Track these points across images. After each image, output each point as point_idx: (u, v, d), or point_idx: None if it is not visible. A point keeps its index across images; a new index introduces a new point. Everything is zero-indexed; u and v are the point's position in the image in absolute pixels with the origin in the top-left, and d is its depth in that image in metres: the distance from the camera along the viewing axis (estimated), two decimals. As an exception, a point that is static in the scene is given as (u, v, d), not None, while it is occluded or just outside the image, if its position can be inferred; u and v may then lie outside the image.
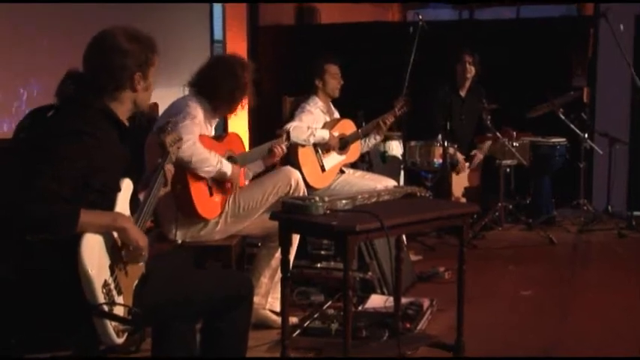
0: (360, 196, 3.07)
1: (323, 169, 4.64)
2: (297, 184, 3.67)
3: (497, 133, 5.56)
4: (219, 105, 3.64)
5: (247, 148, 3.94)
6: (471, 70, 5.96)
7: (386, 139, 5.58)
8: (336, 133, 4.72)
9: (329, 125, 4.74)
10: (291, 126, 4.42)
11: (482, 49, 6.01)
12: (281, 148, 3.86)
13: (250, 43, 7.30)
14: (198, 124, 3.46)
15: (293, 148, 4.41)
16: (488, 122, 5.54)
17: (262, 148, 3.85)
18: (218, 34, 6.81)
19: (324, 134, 4.60)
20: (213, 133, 3.71)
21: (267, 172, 3.86)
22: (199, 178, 3.44)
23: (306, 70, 4.81)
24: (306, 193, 3.72)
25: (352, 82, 4.88)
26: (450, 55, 6.05)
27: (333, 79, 4.74)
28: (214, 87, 3.59)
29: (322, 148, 4.65)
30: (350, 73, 4.85)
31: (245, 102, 3.72)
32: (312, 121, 4.62)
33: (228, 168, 3.50)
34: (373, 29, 7.32)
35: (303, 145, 4.53)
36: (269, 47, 7.47)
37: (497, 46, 6.58)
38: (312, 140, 4.53)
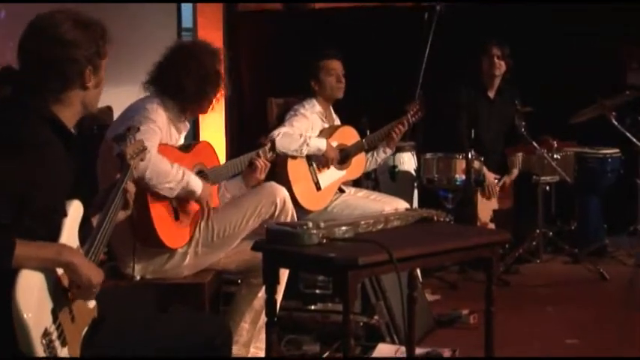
0: (363, 222, 3.07)
1: (318, 186, 4.64)
2: (284, 203, 3.68)
3: (534, 143, 5.58)
4: (186, 104, 3.64)
5: (222, 161, 3.94)
6: (501, 66, 5.98)
7: (396, 150, 5.58)
8: (334, 143, 4.73)
9: (326, 133, 4.74)
10: (280, 133, 4.43)
11: (514, 40, 6.04)
12: (264, 161, 3.85)
13: (227, 32, 7.31)
14: (158, 131, 3.45)
15: (282, 160, 4.42)
16: (523, 129, 5.56)
17: (240, 160, 3.85)
18: (187, 21, 6.83)
19: (319, 144, 4.61)
20: (182, 141, 3.71)
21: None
22: (161, 198, 3.42)
23: (299, 69, 4.82)
24: (295, 216, 3.72)
25: (354, 80, 4.89)
26: (474, 46, 6.08)
27: (330, 75, 4.75)
28: (178, 82, 3.59)
29: (318, 161, 4.66)
30: (351, 70, 4.86)
31: (220, 96, 3.72)
32: (307, 128, 4.63)
33: (196, 185, 3.48)
34: (379, 15, 7.34)
35: (294, 157, 4.53)
36: (250, 37, 7.49)
37: (532, 35, 6.61)
38: (305, 151, 4.54)
